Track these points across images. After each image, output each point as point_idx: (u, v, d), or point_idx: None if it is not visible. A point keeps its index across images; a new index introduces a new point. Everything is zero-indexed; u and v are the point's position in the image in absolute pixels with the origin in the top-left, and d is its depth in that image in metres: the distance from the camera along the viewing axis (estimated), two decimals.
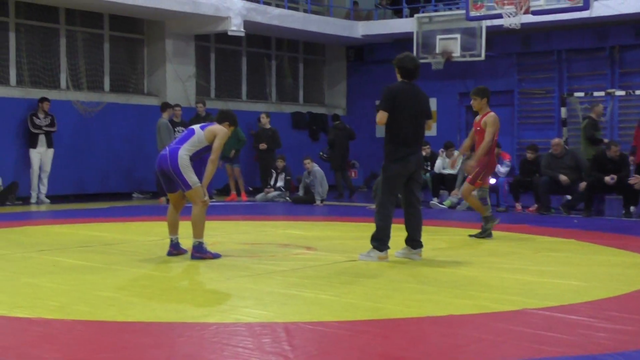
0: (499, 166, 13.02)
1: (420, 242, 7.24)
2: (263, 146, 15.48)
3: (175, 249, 7.25)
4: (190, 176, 6.95)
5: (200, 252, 7.03)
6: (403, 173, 7.04)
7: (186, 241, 7.26)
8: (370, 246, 7.08)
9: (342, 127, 16.31)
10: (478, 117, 8.81)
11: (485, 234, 8.81)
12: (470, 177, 8.83)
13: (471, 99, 8.93)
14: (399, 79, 7.20)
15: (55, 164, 14.18)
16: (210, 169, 7.02)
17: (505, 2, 13.40)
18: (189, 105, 16.20)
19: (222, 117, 7.29)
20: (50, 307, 4.97)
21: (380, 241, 7.03)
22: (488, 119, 8.63)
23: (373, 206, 13.24)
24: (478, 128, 8.74)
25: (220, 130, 7.07)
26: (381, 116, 7.01)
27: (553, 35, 16.92)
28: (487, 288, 5.75)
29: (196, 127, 7.20)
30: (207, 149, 7.07)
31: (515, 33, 15.28)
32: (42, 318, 4.65)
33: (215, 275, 6.26)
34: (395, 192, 7.14)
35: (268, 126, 15.76)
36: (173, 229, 7.27)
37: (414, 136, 7.08)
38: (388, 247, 7.08)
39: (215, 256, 7.07)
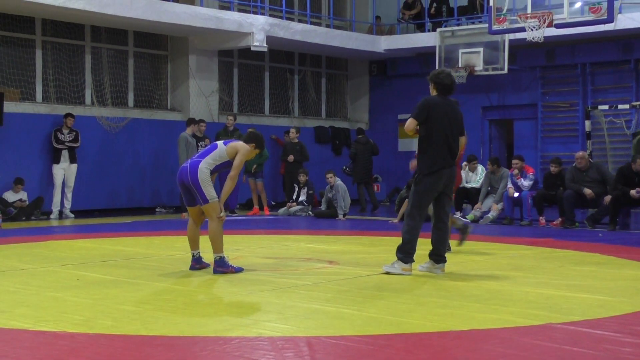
0: (522, 180, 12.96)
1: (444, 257, 7.21)
2: (291, 158, 15.55)
3: (197, 263, 7.27)
4: (209, 190, 6.98)
5: (222, 267, 7.03)
6: (435, 187, 7.01)
7: (208, 255, 7.28)
8: (395, 258, 7.05)
9: (364, 142, 16.31)
10: None
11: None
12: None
13: None
14: (434, 94, 7.21)
15: (80, 179, 14.33)
16: (229, 185, 7.02)
17: (529, 15, 13.35)
18: (212, 120, 16.30)
19: (250, 137, 7.30)
20: (75, 321, 5.00)
21: (405, 253, 7.00)
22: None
23: (395, 220, 13.29)
24: None
25: (242, 148, 7.09)
26: (410, 123, 6.99)
27: (577, 49, 16.83)
28: (511, 302, 5.70)
29: (219, 142, 7.24)
30: (228, 165, 7.08)
31: (539, 46, 15.21)
32: (67, 332, 4.68)
33: (238, 289, 6.27)
34: (425, 206, 7.10)
35: (296, 140, 15.83)
36: (194, 244, 7.29)
37: (448, 150, 7.05)
38: (412, 260, 7.05)
39: (238, 270, 7.08)
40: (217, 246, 7.04)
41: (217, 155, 7.05)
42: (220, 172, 7.20)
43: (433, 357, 4.20)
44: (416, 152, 7.26)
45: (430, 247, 7.20)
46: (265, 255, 8.47)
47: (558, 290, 6.21)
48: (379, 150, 16.75)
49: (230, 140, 7.34)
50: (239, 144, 7.13)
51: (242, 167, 7.15)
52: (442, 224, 7.20)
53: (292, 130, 16.07)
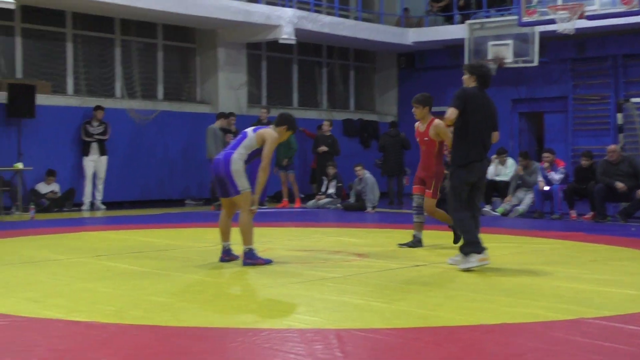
0: (552, 173, 12.84)
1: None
2: (323, 149, 15.57)
3: (227, 255, 7.30)
4: (242, 181, 6.98)
5: (251, 259, 7.06)
6: (468, 180, 6.92)
7: (238, 247, 7.31)
8: (463, 255, 6.89)
9: (393, 134, 16.26)
10: (422, 127, 8.33)
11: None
12: (430, 191, 8.33)
13: (413, 107, 8.46)
14: (471, 85, 7.04)
15: (110, 171, 14.46)
16: (262, 177, 7.01)
17: (559, 7, 13.20)
18: (241, 113, 16.35)
19: (281, 120, 7.26)
20: (107, 311, 5.05)
21: (473, 244, 6.84)
22: (439, 128, 8.14)
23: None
24: (426, 138, 8.30)
25: (269, 135, 7.04)
26: (451, 112, 6.83)
27: (609, 40, 16.62)
28: (542, 296, 5.66)
29: (249, 129, 7.20)
30: (258, 152, 7.08)
31: (569, 38, 15.05)
32: (99, 322, 4.73)
33: (267, 282, 6.30)
34: (463, 198, 6.97)
35: (328, 133, 15.85)
36: (225, 235, 7.31)
37: (481, 143, 6.98)
38: (484, 248, 6.85)
39: (267, 262, 7.11)
40: (247, 238, 7.05)
41: (248, 144, 7.05)
42: (251, 161, 7.17)
43: (463, 350, 4.19)
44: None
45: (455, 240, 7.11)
46: (294, 248, 8.49)
47: (589, 285, 6.15)
48: (410, 145, 16.67)
49: (259, 127, 7.29)
50: (267, 131, 7.09)
51: (273, 157, 7.12)
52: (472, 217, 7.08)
53: (326, 123, 16.08)
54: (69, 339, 4.43)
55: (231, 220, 7.33)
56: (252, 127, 7.28)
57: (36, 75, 14.30)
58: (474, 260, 6.79)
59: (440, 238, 9.22)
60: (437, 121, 8.20)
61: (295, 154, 15.35)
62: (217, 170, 7.04)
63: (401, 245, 8.52)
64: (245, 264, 7.06)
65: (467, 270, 6.76)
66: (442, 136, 8.17)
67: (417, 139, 8.48)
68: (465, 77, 7.07)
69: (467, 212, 6.95)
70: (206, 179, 15.00)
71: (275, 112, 17.04)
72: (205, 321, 4.81)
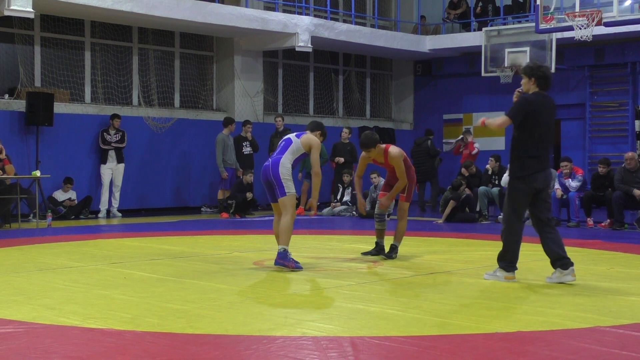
0: (569, 180, 12.77)
1: (569, 259, 6.59)
2: (340, 160, 15.58)
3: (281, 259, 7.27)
4: (289, 184, 7.17)
5: (284, 260, 7.13)
6: (527, 191, 6.56)
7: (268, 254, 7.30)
8: (497, 265, 6.74)
9: (419, 142, 16.26)
10: (381, 159, 8.12)
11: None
12: (404, 195, 8.18)
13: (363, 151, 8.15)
14: (531, 90, 6.60)
15: (127, 178, 14.54)
16: (316, 182, 7.33)
17: (577, 14, 13.14)
18: (257, 121, 16.40)
19: (315, 126, 7.59)
20: (122, 318, 5.07)
21: (508, 262, 6.63)
22: (394, 160, 8.00)
23: (440, 221, 13.20)
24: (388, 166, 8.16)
25: (315, 142, 7.34)
26: (503, 122, 6.50)
27: (627, 47, 16.53)
28: (558, 304, 5.62)
29: (292, 136, 7.45)
30: (304, 156, 7.42)
31: (587, 45, 14.98)
32: (115, 329, 4.75)
33: (282, 289, 6.30)
34: (520, 211, 6.64)
35: (347, 141, 15.86)
36: (278, 239, 7.34)
37: (544, 152, 6.59)
38: (515, 268, 6.67)
39: (297, 267, 7.15)
40: (284, 239, 7.16)
41: (295, 149, 7.30)
42: (294, 167, 7.48)
43: (478, 358, 4.16)
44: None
45: (546, 257, 6.71)
46: (309, 255, 8.48)
47: (606, 293, 6.11)
48: (438, 153, 16.64)
49: (302, 133, 7.51)
50: (312, 138, 7.38)
51: (298, 164, 7.37)
52: (549, 229, 6.70)
53: (345, 131, 16.08)
54: (85, 346, 4.45)
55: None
56: (294, 134, 7.51)
57: (54, 83, 14.41)
58: (501, 276, 6.65)
59: (454, 245, 9.19)
60: (390, 152, 8.01)
61: (325, 163, 15.37)
62: (266, 175, 7.25)
63: (364, 254, 8.33)
64: (276, 263, 7.16)
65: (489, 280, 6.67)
66: (396, 166, 8.01)
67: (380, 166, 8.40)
68: (524, 81, 6.66)
69: (519, 227, 6.66)
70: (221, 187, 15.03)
71: (289, 120, 17.13)
72: (220, 329, 4.82)
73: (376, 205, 8.40)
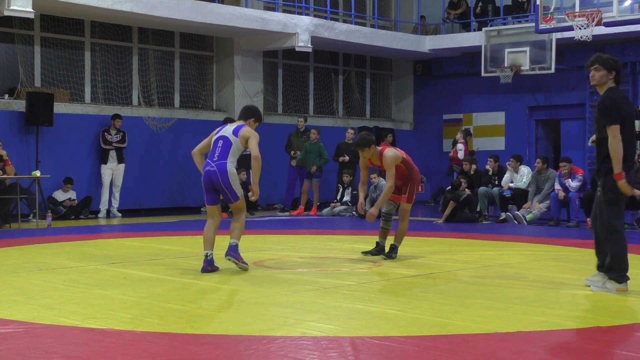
0: (569, 180, 12.77)
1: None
2: (344, 159, 15.59)
3: (209, 265, 7.13)
4: (238, 187, 7.14)
5: (235, 253, 7.10)
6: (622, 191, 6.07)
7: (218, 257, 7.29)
8: (603, 275, 6.24)
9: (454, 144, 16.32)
10: (377, 162, 8.10)
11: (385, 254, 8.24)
12: (405, 196, 8.18)
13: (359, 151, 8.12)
14: (608, 84, 6.12)
15: (127, 178, 14.54)
16: (255, 166, 7.15)
17: (577, 14, 13.15)
18: None
19: (246, 113, 7.38)
20: (122, 318, 5.08)
21: (619, 272, 6.06)
22: (385, 162, 7.97)
23: (440, 221, 13.20)
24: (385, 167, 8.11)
25: (251, 134, 7.17)
26: (615, 130, 5.92)
27: (627, 47, 16.53)
28: (558, 304, 5.63)
29: (229, 134, 7.20)
30: (246, 151, 7.32)
31: (587, 45, 14.98)
32: (114, 329, 4.75)
33: (282, 289, 6.30)
34: (622, 212, 6.19)
35: (351, 141, 15.86)
36: (209, 244, 7.18)
37: (632, 149, 6.10)
38: (628, 278, 6.11)
39: (243, 265, 7.11)
40: (238, 234, 7.17)
41: (235, 150, 7.16)
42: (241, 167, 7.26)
43: (478, 358, 4.17)
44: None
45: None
46: (309, 255, 8.49)
47: (606, 293, 6.10)
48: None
49: (239, 126, 7.24)
50: (247, 131, 7.18)
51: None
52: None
53: (350, 131, 16.06)
54: (85, 346, 4.45)
55: (217, 228, 7.25)
56: (231, 128, 7.24)
57: (54, 83, 14.42)
58: (612, 288, 6.06)
59: (454, 245, 9.20)
60: (384, 154, 7.99)
61: (326, 163, 15.36)
62: (212, 181, 7.10)
63: (365, 253, 8.34)
64: (228, 254, 7.08)
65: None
66: (386, 169, 7.98)
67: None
68: (601, 73, 6.07)
69: (623, 232, 6.15)
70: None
71: (289, 120, 17.15)
72: (220, 329, 4.82)
73: (385, 205, 8.33)
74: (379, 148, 8.08)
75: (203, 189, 7.22)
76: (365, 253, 8.35)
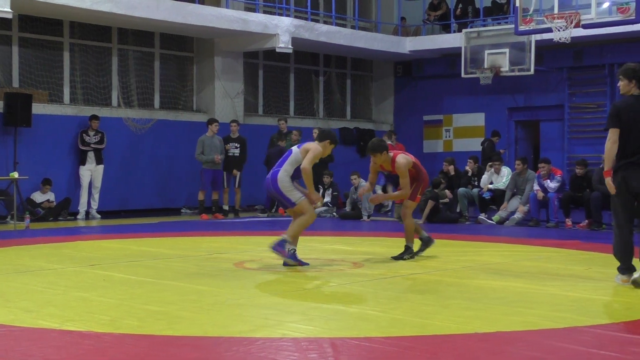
0: (548, 181, 12.86)
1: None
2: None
3: (280, 246, 7.45)
4: (293, 194, 7.41)
5: (281, 247, 7.40)
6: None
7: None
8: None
9: (482, 143, 16.33)
10: (389, 166, 8.22)
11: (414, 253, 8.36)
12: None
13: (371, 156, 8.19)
14: (632, 91, 6.46)
15: (107, 180, 14.46)
16: (305, 177, 7.45)
17: (556, 16, 13.24)
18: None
19: (323, 135, 7.74)
20: (101, 320, 5.04)
21: (621, 265, 6.50)
22: (398, 169, 8.12)
23: (420, 221, 13.22)
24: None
25: (312, 147, 7.50)
26: (613, 133, 6.43)
27: (605, 49, 16.66)
28: (537, 305, 5.66)
29: (294, 147, 7.63)
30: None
31: (566, 47, 15.09)
32: (94, 332, 4.72)
33: (262, 290, 6.29)
34: (620, 211, 6.44)
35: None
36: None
37: (636, 149, 6.42)
38: (631, 270, 6.43)
39: (289, 258, 7.39)
40: (293, 232, 7.48)
41: (293, 160, 7.47)
42: (299, 178, 7.62)
43: (457, 359, 4.18)
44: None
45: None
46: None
47: (585, 293, 6.15)
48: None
49: (302, 143, 7.69)
50: (311, 145, 7.54)
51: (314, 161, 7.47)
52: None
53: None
54: (64, 349, 4.41)
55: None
56: (297, 145, 7.71)
57: (33, 84, 14.31)
58: (618, 278, 6.54)
59: (434, 246, 9.23)
60: (397, 161, 8.11)
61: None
62: (268, 188, 7.50)
63: (417, 253, 8.40)
64: (274, 248, 7.38)
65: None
66: (400, 176, 8.16)
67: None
68: (623, 83, 6.49)
69: (621, 228, 6.45)
70: (200, 187, 14.94)
71: (270, 121, 17.13)
72: (200, 330, 4.80)
73: (394, 209, 8.50)
74: (391, 154, 8.19)
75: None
76: (415, 254, 8.32)
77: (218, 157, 14.46)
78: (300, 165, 7.48)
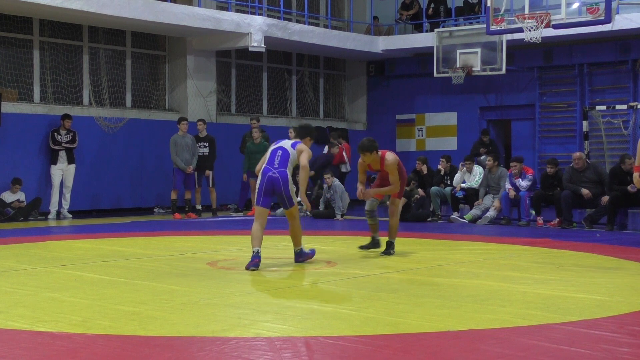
0: (519, 180, 12.97)
1: None
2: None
3: (258, 259, 7.42)
4: (294, 196, 7.61)
5: (302, 257, 7.78)
6: None
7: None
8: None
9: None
10: (377, 166, 8.31)
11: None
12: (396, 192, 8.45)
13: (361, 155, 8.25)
14: None
15: (78, 179, 14.33)
16: (302, 176, 7.67)
17: (526, 16, 13.34)
18: (210, 121, 16.31)
19: (304, 132, 7.90)
20: (73, 321, 5.00)
21: None
22: (388, 166, 8.26)
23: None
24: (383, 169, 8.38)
25: (304, 149, 7.64)
26: None
27: (575, 49, 16.85)
28: (509, 302, 5.71)
29: (288, 146, 7.63)
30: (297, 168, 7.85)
31: (536, 47, 15.23)
32: (65, 332, 4.68)
33: (235, 290, 6.28)
34: None
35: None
36: (258, 241, 7.49)
37: None
38: None
39: (312, 252, 7.91)
40: (299, 240, 7.80)
41: (292, 160, 7.60)
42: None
43: (430, 357, 4.21)
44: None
45: None
46: (262, 256, 8.45)
47: (556, 291, 6.22)
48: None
49: (296, 142, 7.72)
50: (302, 146, 7.66)
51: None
52: None
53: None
54: (34, 350, 4.37)
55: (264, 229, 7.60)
56: (290, 142, 7.70)
57: (2, 82, 14.14)
58: None
59: (406, 245, 9.27)
60: (387, 158, 8.25)
61: None
62: (273, 186, 7.50)
63: (362, 247, 8.65)
64: (297, 261, 7.74)
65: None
66: (390, 173, 8.29)
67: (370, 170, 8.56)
68: None
69: None
70: (172, 187, 14.86)
71: (243, 120, 17.08)
72: (172, 330, 4.78)
73: (366, 203, 8.61)
74: (379, 153, 8.28)
75: (259, 192, 7.53)
76: (362, 247, 8.61)
77: (190, 169, 14.42)
78: (296, 165, 7.68)
